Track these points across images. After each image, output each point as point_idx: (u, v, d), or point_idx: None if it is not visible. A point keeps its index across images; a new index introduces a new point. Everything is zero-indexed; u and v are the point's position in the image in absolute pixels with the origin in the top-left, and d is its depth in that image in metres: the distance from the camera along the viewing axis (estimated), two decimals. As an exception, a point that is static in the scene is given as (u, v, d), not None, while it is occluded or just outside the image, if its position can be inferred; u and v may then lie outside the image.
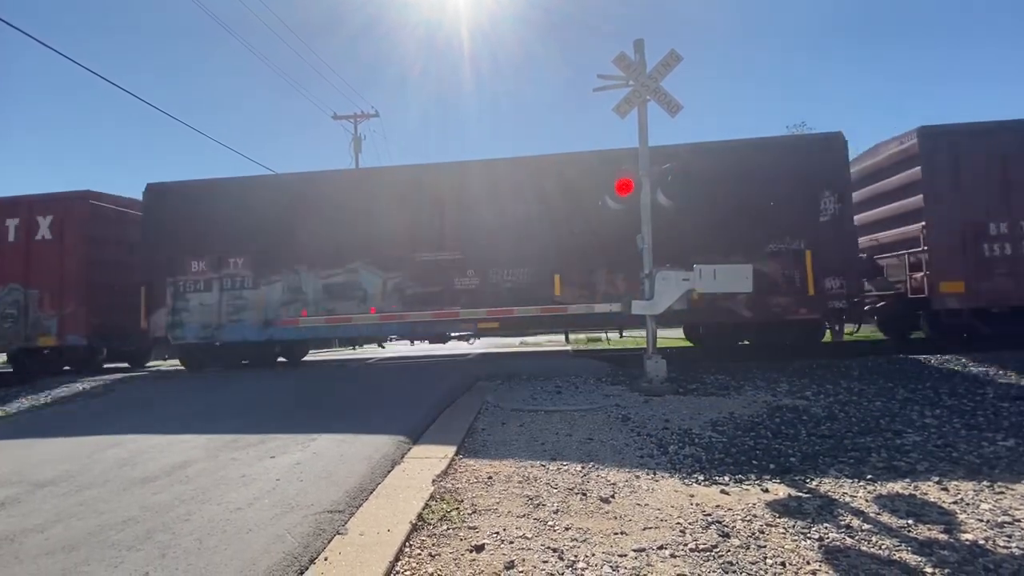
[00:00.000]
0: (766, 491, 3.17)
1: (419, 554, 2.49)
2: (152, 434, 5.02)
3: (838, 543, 2.46)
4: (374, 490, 3.32)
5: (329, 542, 2.57)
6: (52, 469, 4.01)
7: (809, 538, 2.51)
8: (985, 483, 3.15)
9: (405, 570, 2.34)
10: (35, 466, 4.12)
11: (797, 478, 3.38)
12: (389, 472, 3.68)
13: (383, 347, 13.20)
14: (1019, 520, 2.63)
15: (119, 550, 2.52)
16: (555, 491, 3.27)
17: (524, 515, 2.91)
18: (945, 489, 3.10)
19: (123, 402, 7.22)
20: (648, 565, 2.29)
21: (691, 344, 10.50)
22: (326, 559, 2.40)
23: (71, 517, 2.99)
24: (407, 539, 2.61)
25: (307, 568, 2.32)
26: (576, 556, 2.39)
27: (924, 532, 2.56)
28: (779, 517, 2.77)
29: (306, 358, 13.27)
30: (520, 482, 3.45)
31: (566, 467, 3.72)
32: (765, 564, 2.27)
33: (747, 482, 3.33)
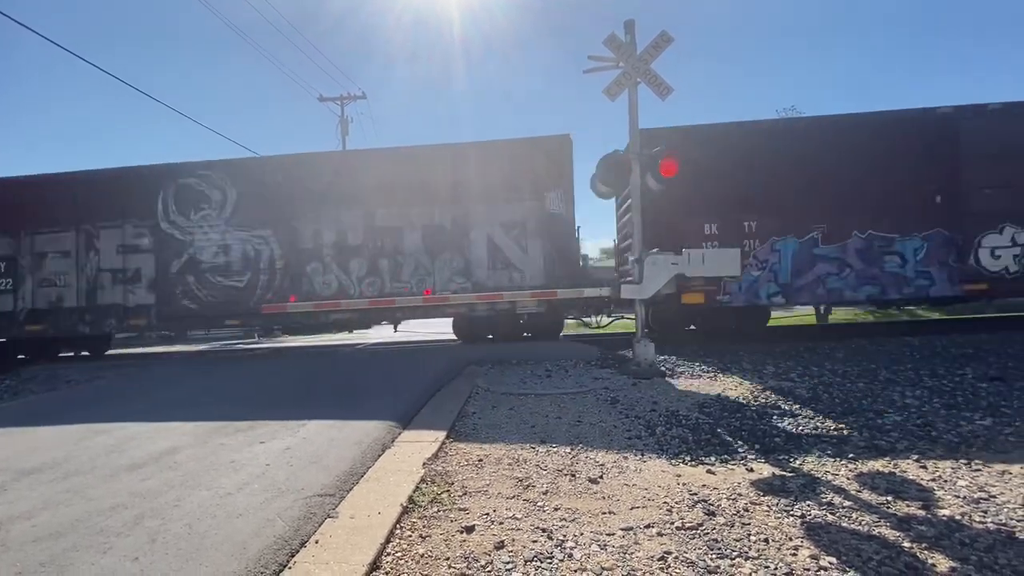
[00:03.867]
0: (751, 470, 3.23)
1: (410, 536, 2.51)
2: (140, 421, 4.98)
3: (820, 520, 2.52)
4: (364, 474, 3.33)
5: (320, 525, 2.58)
6: (39, 456, 3.97)
7: (792, 515, 2.57)
8: (963, 461, 3.24)
9: (396, 551, 2.36)
10: (21, 454, 4.08)
11: (781, 458, 3.45)
12: (380, 456, 3.70)
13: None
14: (995, 496, 2.71)
15: (108, 536, 2.51)
16: (545, 472, 3.31)
17: (514, 496, 2.95)
18: (924, 467, 3.18)
19: (110, 390, 7.15)
20: (635, 543, 2.34)
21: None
22: (317, 542, 2.41)
23: (58, 504, 2.97)
24: (398, 521, 2.63)
25: (298, 551, 2.33)
26: (565, 535, 2.43)
27: (903, 508, 2.63)
28: (763, 495, 2.83)
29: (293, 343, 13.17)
30: (510, 464, 3.49)
31: (555, 449, 3.76)
32: (749, 541, 2.32)
33: (732, 462, 3.40)
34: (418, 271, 9.28)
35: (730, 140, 8.81)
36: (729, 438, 3.87)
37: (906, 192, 8.56)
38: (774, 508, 2.66)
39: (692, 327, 10.02)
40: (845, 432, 3.89)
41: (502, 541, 2.39)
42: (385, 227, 9.34)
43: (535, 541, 2.39)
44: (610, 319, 11.25)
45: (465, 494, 3.01)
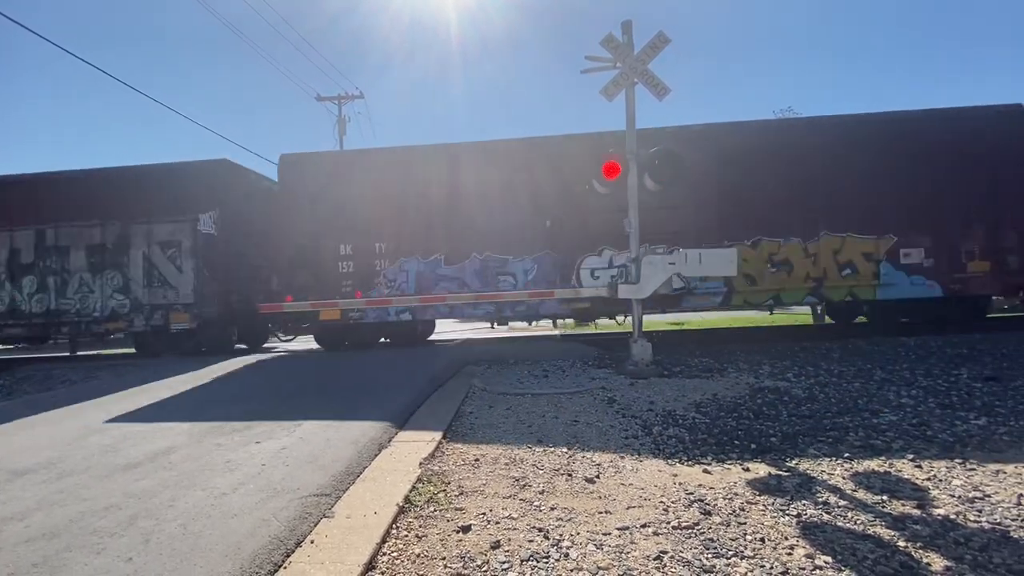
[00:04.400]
0: (747, 470, 3.24)
1: (406, 536, 2.51)
2: (135, 421, 4.96)
3: (815, 519, 2.52)
4: (361, 474, 3.33)
5: (315, 525, 2.57)
6: (32, 456, 3.95)
7: (788, 515, 2.58)
8: (957, 460, 3.25)
9: (392, 552, 2.36)
10: (14, 453, 4.05)
11: (777, 457, 3.46)
12: (376, 456, 3.69)
13: None
14: (989, 496, 2.72)
15: (101, 536, 2.50)
16: (541, 472, 3.30)
17: (510, 496, 2.94)
18: (919, 466, 3.19)
19: (104, 389, 7.11)
20: (631, 543, 2.34)
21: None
22: (312, 542, 2.40)
23: (52, 504, 2.95)
24: (394, 521, 2.63)
25: (293, 551, 2.33)
26: (561, 535, 2.43)
27: (898, 508, 2.63)
28: (759, 495, 2.83)
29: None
30: (507, 464, 3.48)
31: (552, 449, 3.76)
32: (745, 540, 2.32)
33: (729, 461, 3.40)
34: (82, 288, 9.78)
35: (366, 167, 9.53)
36: (725, 437, 3.87)
37: (520, 216, 9.20)
38: (770, 507, 2.67)
39: (347, 343, 10.21)
40: (841, 432, 3.90)
41: (498, 541, 2.39)
42: (55, 246, 9.88)
43: (531, 541, 2.39)
44: (290, 337, 11.74)
45: (462, 494, 3.01)
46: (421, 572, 2.18)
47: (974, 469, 3.10)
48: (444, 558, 2.27)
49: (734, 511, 2.63)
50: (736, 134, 8.97)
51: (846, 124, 9.01)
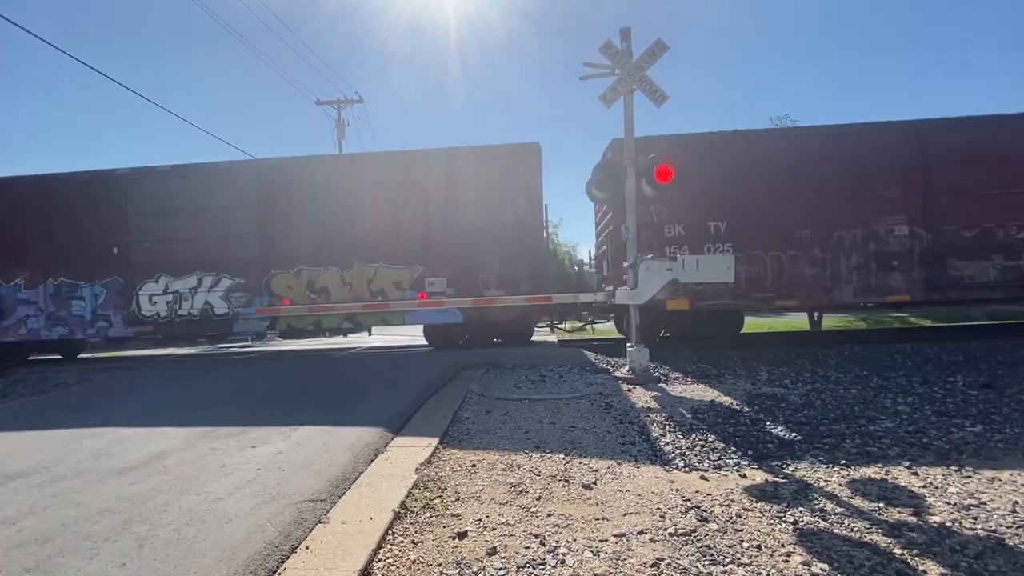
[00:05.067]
0: (744, 477, 3.23)
1: (402, 542, 2.49)
2: (129, 425, 4.93)
3: (812, 526, 2.52)
4: (357, 479, 3.31)
5: (311, 531, 2.56)
6: (25, 460, 3.92)
7: (784, 522, 2.57)
8: (953, 468, 3.26)
9: (388, 558, 2.34)
10: (7, 457, 4.03)
11: (774, 464, 3.46)
12: (372, 461, 3.67)
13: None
14: (985, 503, 2.72)
15: (95, 541, 2.48)
16: (538, 478, 3.29)
17: (507, 502, 2.93)
18: (915, 473, 3.19)
19: (100, 393, 7.08)
20: (628, 550, 2.33)
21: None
22: (307, 548, 2.39)
23: (45, 509, 2.93)
24: (390, 527, 2.61)
25: (288, 557, 2.31)
26: (558, 541, 2.42)
27: (894, 515, 2.64)
28: (756, 502, 2.83)
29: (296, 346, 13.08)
30: (504, 470, 3.47)
31: (549, 455, 3.75)
32: (742, 547, 2.32)
33: (726, 468, 3.40)
34: None
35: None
36: (722, 444, 3.87)
37: (91, 242, 9.66)
38: (767, 514, 2.67)
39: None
40: (837, 438, 3.90)
41: (495, 547, 2.38)
42: None
43: (528, 547, 2.38)
44: None
45: (458, 500, 2.99)
46: (417, 578, 2.17)
47: (970, 476, 3.11)
48: (440, 564, 2.26)
49: (731, 518, 2.62)
50: (277, 169, 9.59)
51: (389, 160, 9.61)
